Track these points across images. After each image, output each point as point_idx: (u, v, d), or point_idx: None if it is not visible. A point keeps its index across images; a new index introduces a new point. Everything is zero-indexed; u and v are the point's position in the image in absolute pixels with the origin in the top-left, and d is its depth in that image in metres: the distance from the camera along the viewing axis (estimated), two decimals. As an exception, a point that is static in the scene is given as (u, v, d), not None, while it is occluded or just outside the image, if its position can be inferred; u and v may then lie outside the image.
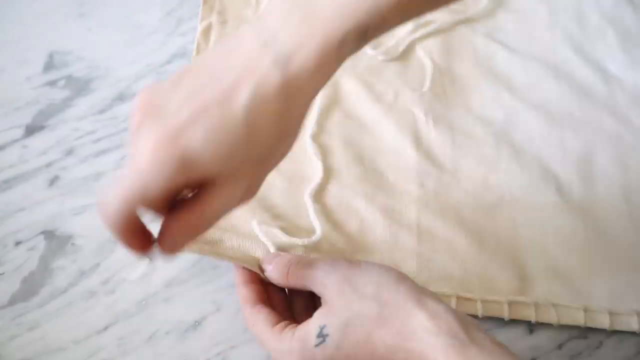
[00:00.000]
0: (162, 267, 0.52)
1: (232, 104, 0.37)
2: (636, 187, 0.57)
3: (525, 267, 0.53)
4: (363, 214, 0.55)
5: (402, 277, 0.43)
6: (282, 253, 0.49)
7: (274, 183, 0.55)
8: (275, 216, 0.54)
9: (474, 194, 0.56)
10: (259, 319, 0.45)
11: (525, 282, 0.53)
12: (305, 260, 0.46)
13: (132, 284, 0.51)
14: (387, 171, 0.57)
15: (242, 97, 0.37)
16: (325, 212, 0.54)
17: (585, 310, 0.51)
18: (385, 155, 0.58)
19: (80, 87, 0.60)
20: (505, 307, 0.51)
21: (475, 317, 0.51)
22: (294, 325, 0.44)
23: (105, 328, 0.50)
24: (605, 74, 0.63)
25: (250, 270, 0.48)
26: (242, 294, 0.47)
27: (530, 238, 0.55)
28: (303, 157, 0.57)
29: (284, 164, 0.55)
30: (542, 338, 0.51)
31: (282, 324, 0.44)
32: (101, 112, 0.59)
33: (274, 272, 0.47)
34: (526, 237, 0.55)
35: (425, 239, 0.54)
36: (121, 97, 0.60)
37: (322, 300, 0.44)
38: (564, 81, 0.63)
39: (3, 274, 0.51)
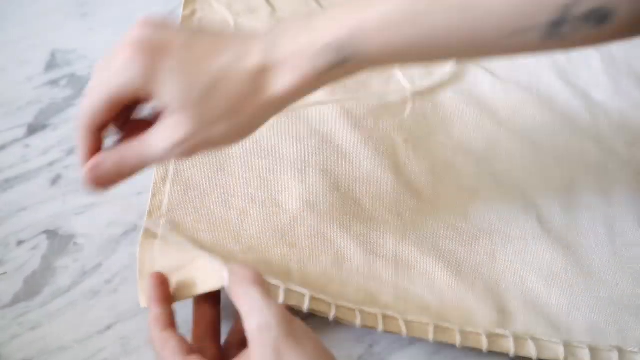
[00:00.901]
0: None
1: (215, 58, 0.41)
2: (619, 219, 0.56)
3: (505, 299, 0.52)
4: (338, 243, 0.53)
5: None
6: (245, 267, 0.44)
7: (247, 210, 0.53)
8: (248, 248, 0.51)
9: (453, 224, 0.55)
10: (170, 345, 0.43)
11: (504, 315, 0.51)
12: (256, 292, 0.41)
13: (135, 283, 0.51)
14: (364, 200, 0.55)
15: (224, 57, 0.41)
16: (300, 242, 0.53)
17: (566, 345, 0.50)
18: (363, 184, 0.56)
19: (82, 86, 0.60)
20: (484, 338, 0.50)
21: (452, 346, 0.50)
22: None
23: (108, 328, 0.50)
24: (589, 101, 0.62)
25: (162, 289, 0.46)
26: (153, 313, 0.45)
27: (510, 270, 0.53)
28: (277, 183, 0.55)
29: (258, 191, 0.54)
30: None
31: (194, 356, 0.42)
32: (103, 111, 0.59)
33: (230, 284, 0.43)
34: (505, 269, 0.53)
35: (402, 270, 0.52)
36: (123, 97, 0.60)
37: (247, 353, 0.40)
38: (547, 108, 0.61)
39: (5, 273, 0.51)
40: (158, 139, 0.41)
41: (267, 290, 0.41)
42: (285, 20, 0.43)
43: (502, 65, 0.63)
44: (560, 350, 0.50)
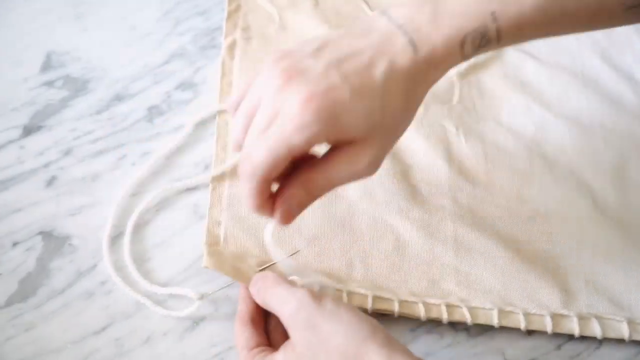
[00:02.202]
0: (160, 268, 0.52)
1: (372, 75, 0.41)
2: None
3: (565, 279, 0.53)
4: (398, 229, 0.54)
5: (371, 332, 0.41)
6: (263, 275, 0.47)
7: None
8: (309, 239, 0.53)
9: (509, 208, 0.56)
10: (242, 339, 0.46)
11: (567, 293, 0.52)
12: (280, 289, 0.44)
13: (129, 284, 0.51)
14: (420, 186, 0.56)
15: (379, 71, 0.41)
16: (360, 230, 0.54)
17: (629, 322, 0.51)
18: (418, 171, 0.57)
19: (77, 87, 0.60)
20: (548, 320, 0.50)
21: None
22: (266, 354, 0.44)
23: (103, 329, 0.50)
24: (633, 82, 0.63)
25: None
26: (239, 308, 0.48)
27: (568, 251, 0.54)
28: None
29: None
30: (541, 339, 0.51)
31: (258, 349, 0.44)
32: (99, 112, 0.59)
33: (253, 291, 0.47)
34: (564, 250, 0.54)
35: (463, 253, 0.53)
36: (118, 98, 0.60)
37: (289, 338, 0.43)
38: (592, 90, 0.62)
39: (0, 274, 0.51)
40: (345, 162, 0.41)
41: (288, 283, 0.45)
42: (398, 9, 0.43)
43: (544, 48, 0.64)
44: (624, 328, 0.51)
